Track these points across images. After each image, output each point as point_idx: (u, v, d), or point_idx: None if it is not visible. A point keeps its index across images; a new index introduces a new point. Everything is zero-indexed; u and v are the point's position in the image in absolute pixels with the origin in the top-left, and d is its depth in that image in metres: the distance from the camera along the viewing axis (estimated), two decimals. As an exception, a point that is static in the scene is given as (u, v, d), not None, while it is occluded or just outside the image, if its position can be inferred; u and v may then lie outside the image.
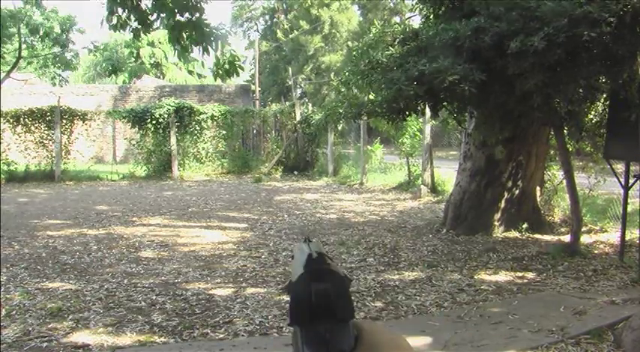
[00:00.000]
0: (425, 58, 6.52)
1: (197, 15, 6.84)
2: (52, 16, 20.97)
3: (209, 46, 7.08)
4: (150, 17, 6.82)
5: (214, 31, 7.07)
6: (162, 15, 6.78)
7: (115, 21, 6.72)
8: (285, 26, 46.39)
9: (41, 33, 20.37)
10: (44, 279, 6.34)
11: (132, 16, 6.73)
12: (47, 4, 42.87)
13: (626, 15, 5.62)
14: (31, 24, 19.77)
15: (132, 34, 7.09)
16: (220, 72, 7.21)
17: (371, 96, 7.74)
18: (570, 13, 5.64)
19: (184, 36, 6.84)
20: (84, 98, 24.82)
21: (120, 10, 6.73)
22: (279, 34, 46.10)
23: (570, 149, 8.21)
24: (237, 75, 7.65)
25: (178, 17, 6.80)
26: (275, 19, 49.76)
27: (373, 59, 7.17)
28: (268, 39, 49.19)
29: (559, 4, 5.77)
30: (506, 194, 8.40)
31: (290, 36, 45.23)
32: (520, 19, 6.03)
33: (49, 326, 4.80)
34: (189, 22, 6.81)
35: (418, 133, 13.97)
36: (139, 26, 6.76)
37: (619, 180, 6.89)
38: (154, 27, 7.21)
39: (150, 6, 6.76)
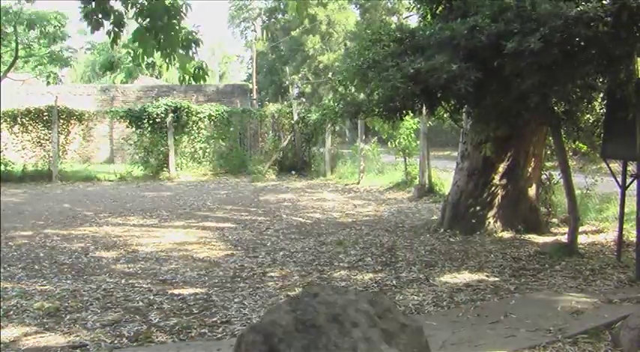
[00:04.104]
0: (421, 57, 6.52)
1: (173, 20, 6.72)
2: (45, 13, 20.93)
3: (174, 52, 6.89)
4: (124, 19, 6.73)
5: (190, 36, 6.92)
6: (143, 20, 6.67)
7: (92, 22, 6.62)
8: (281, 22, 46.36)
9: (36, 29, 20.31)
10: (41, 279, 6.33)
11: (106, 17, 6.63)
12: (40, 4, 42.74)
13: (623, 14, 5.62)
14: (28, 20, 19.72)
15: (108, 35, 6.98)
16: (187, 76, 7.11)
17: (364, 96, 7.73)
18: (566, 14, 5.65)
19: (152, 40, 6.71)
20: (81, 98, 24.78)
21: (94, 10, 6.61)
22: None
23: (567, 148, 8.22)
24: (204, 81, 7.56)
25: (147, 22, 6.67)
26: (273, 19, 49.75)
27: (369, 58, 7.17)
28: (265, 39, 49.19)
29: (555, 5, 5.78)
30: (503, 193, 8.40)
31: (287, 36, 45.22)
32: (517, 19, 6.03)
33: (47, 326, 4.80)
34: (157, 27, 6.68)
35: (413, 133, 13.99)
36: (115, 28, 6.68)
37: (616, 179, 6.90)
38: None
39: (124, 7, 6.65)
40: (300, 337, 0.49)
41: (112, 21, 6.59)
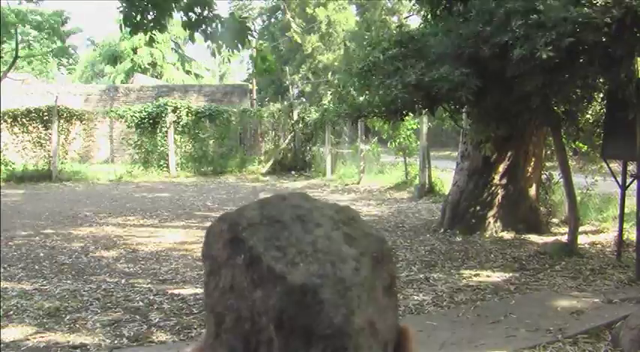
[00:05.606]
0: (423, 63, 6.51)
1: (214, 10, 6.76)
2: (48, 15, 21.00)
3: (239, 42, 6.93)
4: (163, 15, 6.72)
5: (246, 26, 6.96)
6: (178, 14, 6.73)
7: (129, 24, 6.61)
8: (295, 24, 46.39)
9: (44, 31, 20.37)
10: (41, 279, 6.33)
11: (147, 17, 6.61)
12: (43, 3, 42.77)
13: (627, 18, 5.60)
14: (35, 21, 19.78)
15: (147, 39, 6.97)
16: (262, 69, 7.20)
17: (366, 97, 7.75)
18: (574, 20, 5.61)
19: (208, 32, 6.75)
20: (81, 98, 24.78)
21: (134, 11, 6.59)
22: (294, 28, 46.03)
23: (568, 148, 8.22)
24: (274, 71, 7.73)
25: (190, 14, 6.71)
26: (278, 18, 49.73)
27: (370, 61, 7.17)
28: (265, 38, 49.16)
29: (566, 9, 5.70)
30: (503, 193, 8.40)
31: (286, 35, 45.20)
32: (522, 26, 5.91)
33: (47, 326, 4.80)
34: (214, 17, 6.70)
35: (413, 133, 13.98)
36: (153, 25, 6.66)
37: (616, 179, 6.90)
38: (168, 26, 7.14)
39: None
40: (264, 229, 0.54)
41: (151, 20, 6.61)
